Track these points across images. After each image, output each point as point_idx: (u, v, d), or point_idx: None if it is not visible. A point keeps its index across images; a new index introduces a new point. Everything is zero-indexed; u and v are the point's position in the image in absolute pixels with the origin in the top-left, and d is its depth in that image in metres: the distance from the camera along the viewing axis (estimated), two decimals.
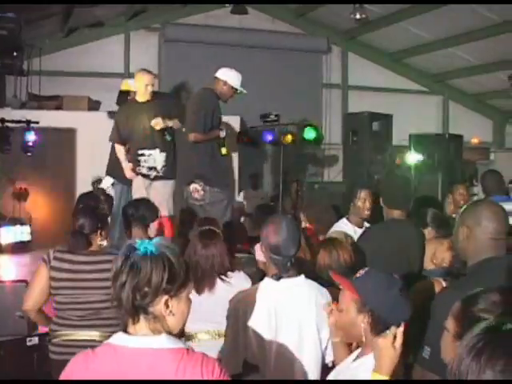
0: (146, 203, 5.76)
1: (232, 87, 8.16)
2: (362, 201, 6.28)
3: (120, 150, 7.72)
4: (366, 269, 2.98)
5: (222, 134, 8.01)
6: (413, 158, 11.25)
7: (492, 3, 12.75)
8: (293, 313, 3.55)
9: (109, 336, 4.57)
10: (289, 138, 12.21)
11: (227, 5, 14.56)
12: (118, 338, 2.39)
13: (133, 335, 2.37)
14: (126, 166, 7.61)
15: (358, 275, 2.93)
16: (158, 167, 7.59)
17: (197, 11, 15.72)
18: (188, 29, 15.61)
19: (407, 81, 18.00)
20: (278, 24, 16.64)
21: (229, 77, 8.19)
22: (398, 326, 2.74)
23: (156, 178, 7.58)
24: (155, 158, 7.58)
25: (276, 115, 12.81)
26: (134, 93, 8.02)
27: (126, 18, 15.19)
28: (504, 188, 7.09)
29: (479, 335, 1.51)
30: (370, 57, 17.63)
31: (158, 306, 2.35)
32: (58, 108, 11.54)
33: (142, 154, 7.56)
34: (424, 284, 4.35)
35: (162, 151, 7.59)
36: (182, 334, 4.71)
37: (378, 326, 2.80)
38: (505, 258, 3.20)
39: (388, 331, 2.72)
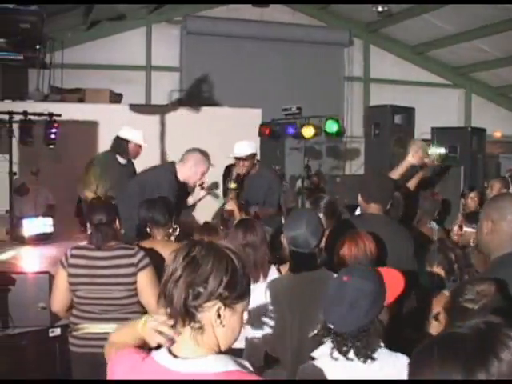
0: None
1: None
2: None
3: None
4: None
5: None
6: (435, 151, 11.16)
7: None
8: (314, 306, 3.53)
9: None
10: (310, 131, 12.16)
11: None
12: (163, 357, 2.10)
13: (177, 355, 2.09)
14: None
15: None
16: None
17: (218, 4, 15.70)
18: (210, 21, 15.61)
19: (429, 74, 17.91)
20: (299, 16, 16.62)
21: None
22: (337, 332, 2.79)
23: None
24: None
25: (298, 108, 12.76)
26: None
27: (148, 10, 15.22)
28: None
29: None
30: (392, 49, 17.55)
31: (208, 314, 2.07)
32: (80, 101, 11.58)
33: None
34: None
35: None
36: None
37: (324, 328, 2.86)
38: None
39: None
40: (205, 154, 6.77)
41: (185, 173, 6.68)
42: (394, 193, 5.18)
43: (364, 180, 5.45)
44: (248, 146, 7.31)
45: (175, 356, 2.08)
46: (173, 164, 6.81)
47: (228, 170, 7.56)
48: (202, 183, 6.76)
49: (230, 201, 6.70)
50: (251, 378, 2.06)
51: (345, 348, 2.73)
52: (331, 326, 2.77)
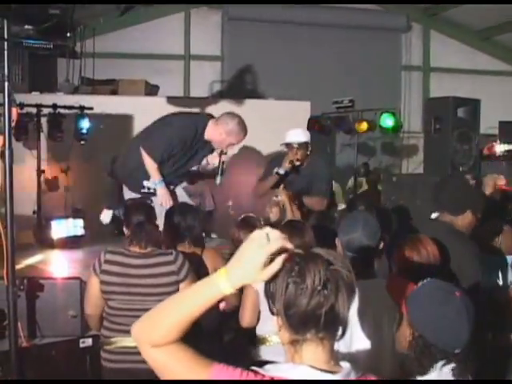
0: None
1: None
2: None
3: None
4: (426, 280, 2.92)
5: None
6: (503, 147, 11.01)
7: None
8: (368, 316, 3.51)
9: None
10: (364, 125, 12.11)
11: None
12: (311, 373, 2.05)
13: (328, 369, 2.07)
14: None
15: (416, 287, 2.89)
16: None
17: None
18: (253, 6, 15.55)
19: (497, 61, 17.67)
20: None
21: None
22: (452, 353, 2.68)
23: None
24: None
25: (350, 100, 12.69)
26: None
27: None
28: None
29: None
30: (455, 35, 17.34)
31: None
32: (113, 93, 11.65)
33: None
34: None
35: None
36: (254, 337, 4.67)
37: (427, 351, 2.75)
38: None
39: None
40: (242, 125, 6.79)
41: (212, 134, 6.79)
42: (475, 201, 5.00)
43: (437, 184, 5.36)
44: (302, 133, 7.30)
45: (328, 371, 2.08)
46: (206, 118, 6.97)
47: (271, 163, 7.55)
48: (224, 152, 6.82)
49: (282, 189, 6.67)
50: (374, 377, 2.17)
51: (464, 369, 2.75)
52: (455, 351, 2.72)
